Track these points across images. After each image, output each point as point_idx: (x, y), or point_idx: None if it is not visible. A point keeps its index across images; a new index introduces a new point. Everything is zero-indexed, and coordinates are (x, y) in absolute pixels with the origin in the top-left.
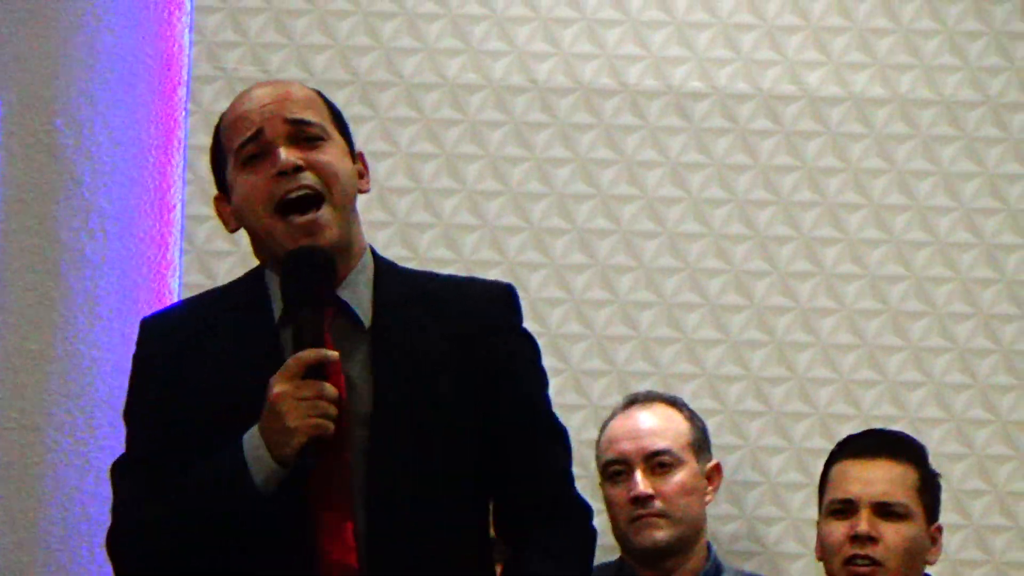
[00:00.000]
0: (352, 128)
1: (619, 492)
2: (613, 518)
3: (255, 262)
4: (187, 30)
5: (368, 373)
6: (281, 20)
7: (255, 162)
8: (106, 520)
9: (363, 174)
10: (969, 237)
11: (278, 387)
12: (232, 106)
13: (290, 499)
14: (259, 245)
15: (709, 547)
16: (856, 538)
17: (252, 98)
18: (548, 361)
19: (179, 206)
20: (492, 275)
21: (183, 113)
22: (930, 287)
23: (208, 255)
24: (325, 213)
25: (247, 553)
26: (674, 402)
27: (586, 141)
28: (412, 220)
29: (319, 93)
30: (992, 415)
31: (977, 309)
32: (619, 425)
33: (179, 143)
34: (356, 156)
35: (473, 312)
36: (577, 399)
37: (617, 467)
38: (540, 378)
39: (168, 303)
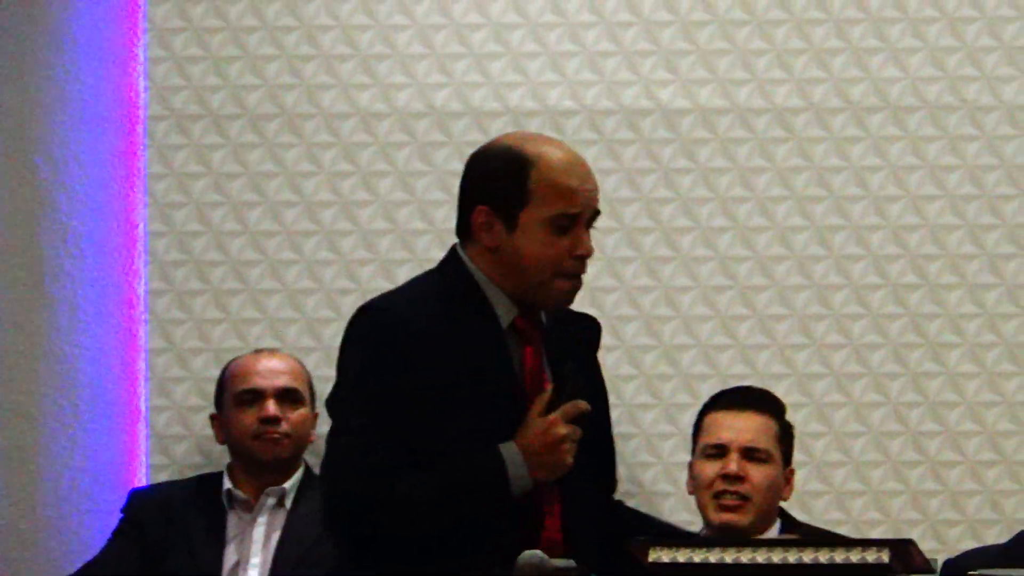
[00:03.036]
0: (280, 153)
1: None
2: None
3: (207, 270)
4: (142, 77)
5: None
6: (218, 66)
7: (563, 231)
8: (92, 490)
9: None
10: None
11: (562, 429)
12: (559, 166)
13: (530, 493)
14: (514, 274)
15: None
16: (726, 476)
17: (581, 174)
18: None
19: (142, 224)
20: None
21: (141, 147)
22: (771, 265)
23: (167, 264)
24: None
25: (488, 533)
26: None
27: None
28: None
29: None
30: (828, 370)
31: (811, 281)
32: None
33: (139, 172)
34: None
35: (591, 334)
36: None
37: None
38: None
39: (135, 307)
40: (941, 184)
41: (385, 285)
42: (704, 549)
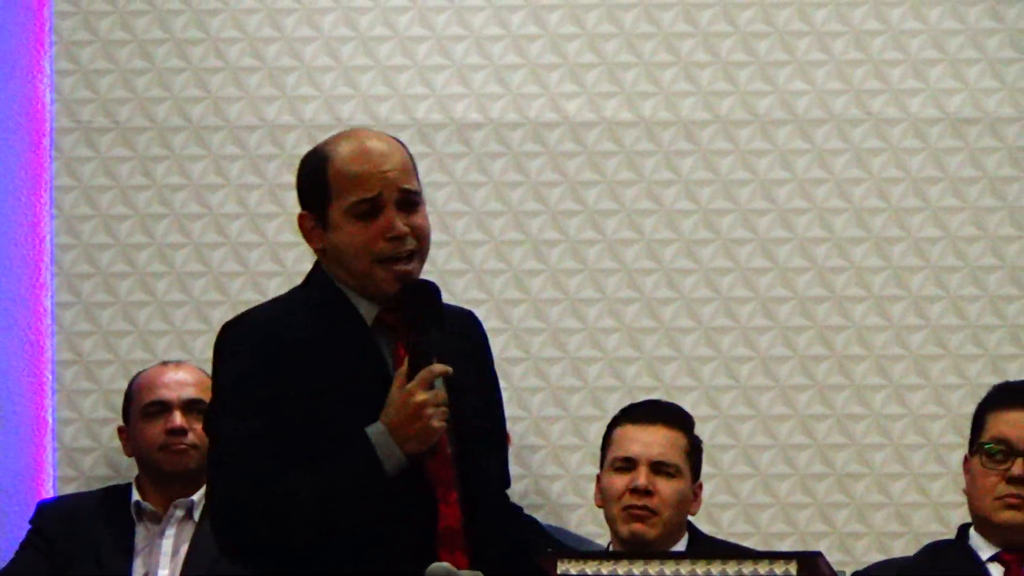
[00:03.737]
0: (187, 165)
1: None
2: None
3: (114, 282)
4: (49, 90)
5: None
6: (126, 78)
7: (366, 217)
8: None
9: None
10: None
11: (421, 395)
12: (348, 156)
13: (418, 479)
14: (345, 271)
15: None
16: (635, 490)
17: (371, 158)
18: None
19: (48, 236)
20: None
21: (48, 159)
22: (678, 278)
23: (74, 276)
24: (415, 265)
25: (381, 524)
26: None
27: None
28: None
29: (404, 145)
30: (735, 382)
31: (717, 293)
32: None
33: (47, 184)
34: None
35: (473, 329)
36: None
37: None
38: None
39: (42, 319)
40: (847, 197)
41: None
42: (612, 562)
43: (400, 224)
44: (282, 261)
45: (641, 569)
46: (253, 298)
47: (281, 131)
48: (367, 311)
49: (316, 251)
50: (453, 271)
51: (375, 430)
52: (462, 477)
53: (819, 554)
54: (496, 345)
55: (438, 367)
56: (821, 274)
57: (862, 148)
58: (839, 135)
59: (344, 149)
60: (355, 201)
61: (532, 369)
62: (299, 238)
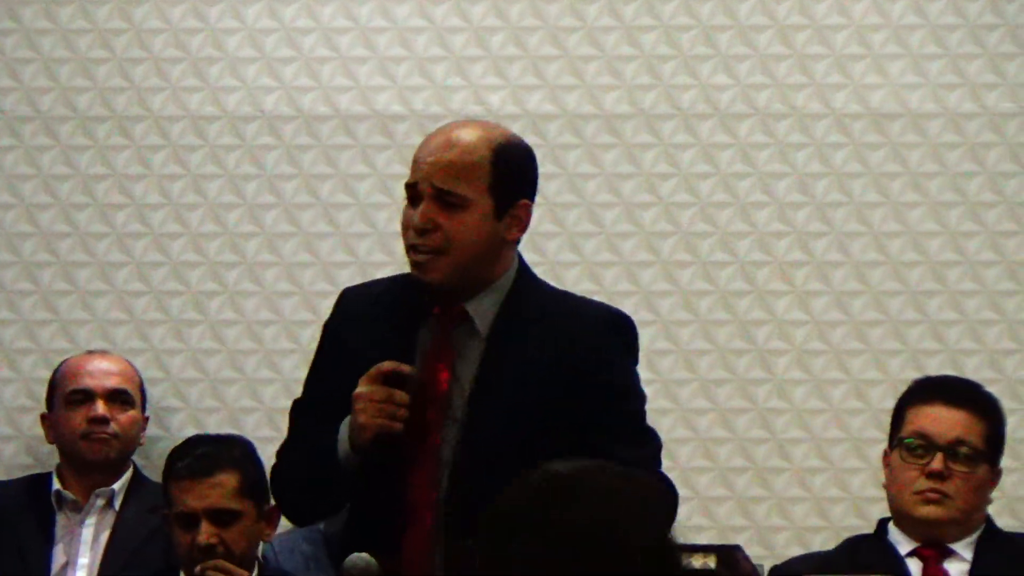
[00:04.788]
0: (109, 155)
1: None
2: None
3: (36, 271)
4: None
5: (475, 372)
6: (49, 67)
7: (411, 203)
8: None
9: (514, 224)
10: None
11: (358, 388)
12: (424, 140)
13: (388, 495)
14: None
15: None
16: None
17: (427, 147)
18: None
19: None
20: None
21: None
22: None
23: None
24: (439, 262)
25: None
26: None
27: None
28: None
29: (495, 149)
30: (655, 375)
31: (638, 287)
32: None
33: None
34: (513, 206)
35: (583, 334)
36: None
37: None
38: (629, 393)
39: None
40: (770, 191)
41: (212, 287)
42: None
43: (422, 216)
44: (204, 252)
45: None
46: (175, 288)
47: (204, 122)
48: (430, 300)
49: None
50: None
51: (344, 420)
52: (457, 499)
53: (738, 548)
54: None
55: (386, 364)
56: (743, 267)
57: (786, 143)
58: (763, 129)
59: (430, 134)
60: (406, 183)
61: None
62: (220, 228)
